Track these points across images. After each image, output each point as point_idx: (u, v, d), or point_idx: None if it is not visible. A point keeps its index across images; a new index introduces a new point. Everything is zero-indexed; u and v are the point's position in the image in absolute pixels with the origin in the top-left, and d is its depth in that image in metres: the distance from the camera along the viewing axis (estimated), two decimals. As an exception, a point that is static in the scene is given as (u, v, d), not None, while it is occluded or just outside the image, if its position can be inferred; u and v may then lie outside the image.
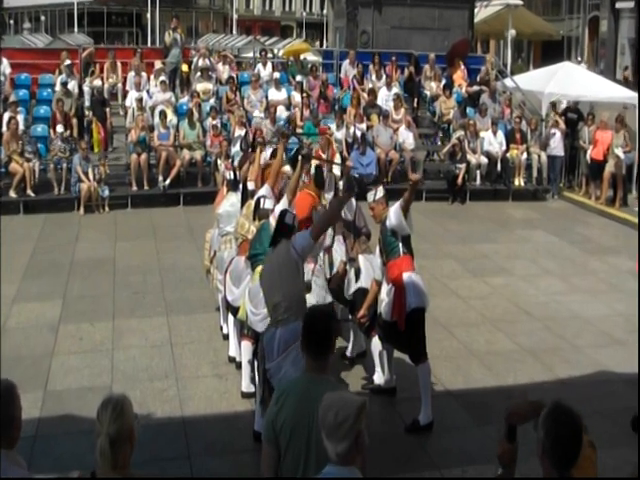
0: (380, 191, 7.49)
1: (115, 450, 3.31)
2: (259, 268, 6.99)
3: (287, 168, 9.25)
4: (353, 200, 8.23)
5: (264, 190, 7.84)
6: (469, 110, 19.05)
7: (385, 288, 7.44)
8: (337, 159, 10.06)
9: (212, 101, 18.36)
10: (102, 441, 3.30)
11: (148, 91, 18.37)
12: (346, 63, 20.27)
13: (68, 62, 18.29)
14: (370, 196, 7.46)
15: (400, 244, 7.24)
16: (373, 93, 18.69)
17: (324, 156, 10.33)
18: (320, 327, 4.12)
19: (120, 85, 19.49)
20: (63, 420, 7.36)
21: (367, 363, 8.51)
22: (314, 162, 8.93)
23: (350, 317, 8.33)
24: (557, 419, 3.22)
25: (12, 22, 64.84)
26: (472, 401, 7.98)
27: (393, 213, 7.16)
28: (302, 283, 6.02)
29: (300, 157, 7.76)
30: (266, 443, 4.02)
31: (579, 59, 38.75)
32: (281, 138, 8.93)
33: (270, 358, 5.83)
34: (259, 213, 7.37)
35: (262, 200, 7.44)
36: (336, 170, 7.82)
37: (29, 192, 15.59)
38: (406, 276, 7.20)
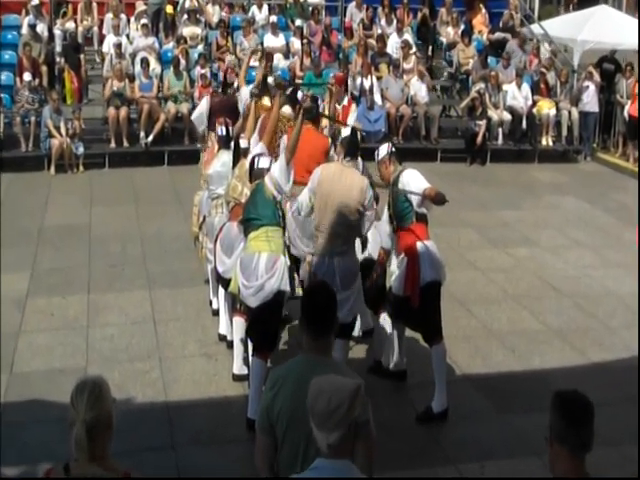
0: (383, 149, 7.38)
1: (93, 439, 3.30)
2: (253, 235, 6.98)
3: (286, 109, 9.14)
4: (359, 159, 8.17)
5: (259, 148, 7.78)
6: (490, 60, 18.94)
7: (396, 259, 7.39)
8: (352, 109, 10.00)
9: (200, 48, 18.24)
10: (78, 429, 3.28)
11: (128, 35, 18.26)
12: (352, 6, 20.12)
13: (36, 1, 18.10)
14: (375, 155, 7.41)
15: (414, 209, 7.17)
16: (382, 40, 18.55)
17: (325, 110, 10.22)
18: (320, 302, 4.09)
19: (96, 29, 19.32)
20: (31, 406, 7.34)
21: (374, 343, 8.51)
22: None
23: None
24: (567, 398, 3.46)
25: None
26: (492, 387, 7.98)
27: (411, 177, 7.06)
28: None
29: (302, 110, 7.67)
30: (260, 432, 4.00)
31: (617, 1, 38.42)
32: (278, 89, 8.84)
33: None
34: (255, 173, 7.32)
35: (257, 159, 7.39)
36: (345, 131, 7.74)
37: (-7, 149, 15.56)
38: (420, 245, 7.15)
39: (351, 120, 10.07)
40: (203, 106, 10.13)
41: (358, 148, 7.46)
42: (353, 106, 10.08)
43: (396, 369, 7.90)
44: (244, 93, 9.77)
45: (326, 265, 6.98)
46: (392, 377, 7.89)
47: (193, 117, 10.66)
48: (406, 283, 7.14)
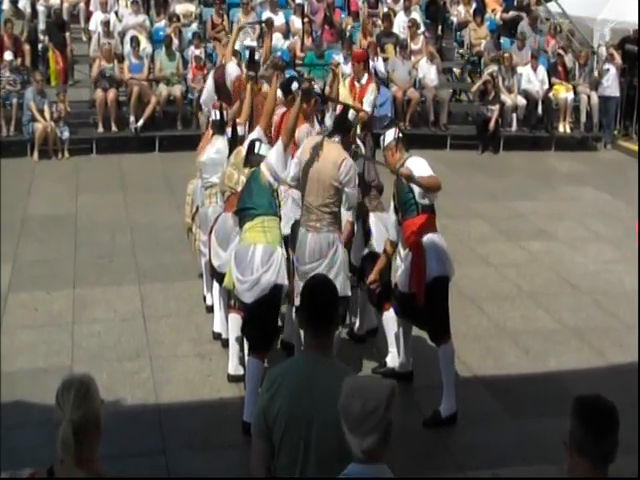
0: (389, 135, 7.37)
1: (80, 440, 3.29)
2: (248, 225, 6.99)
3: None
4: (362, 147, 8.17)
5: (256, 133, 7.79)
6: (504, 40, 18.92)
7: (401, 253, 7.40)
8: (370, 90, 9.95)
9: (194, 26, 18.22)
10: (64, 429, 3.28)
11: (117, 13, 18.21)
12: (356, -18, 20.11)
13: (18, -26, 18.11)
14: (380, 141, 7.41)
15: (418, 197, 7.16)
16: (389, 19, 18.53)
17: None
18: (321, 297, 4.09)
19: (82, 5, 19.35)
20: (13, 408, 7.33)
21: (379, 342, 8.51)
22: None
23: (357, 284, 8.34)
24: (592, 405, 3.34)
25: None
26: (505, 389, 7.99)
27: (415, 165, 7.06)
28: None
29: (300, 92, 7.67)
30: (257, 436, 4.00)
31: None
32: (275, 70, 8.79)
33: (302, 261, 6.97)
34: (251, 159, 7.31)
35: (257, 144, 7.38)
36: (350, 115, 7.72)
37: (-29, 133, 15.56)
38: (426, 238, 7.15)
39: (367, 101, 9.99)
40: (209, 84, 10.05)
41: (347, 126, 7.42)
42: (371, 86, 9.99)
43: (402, 370, 7.90)
44: (231, 69, 9.68)
45: (299, 238, 7.14)
46: (398, 378, 7.87)
47: (202, 100, 10.53)
48: (411, 279, 7.13)
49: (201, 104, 11.35)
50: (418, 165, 7.05)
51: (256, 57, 10.27)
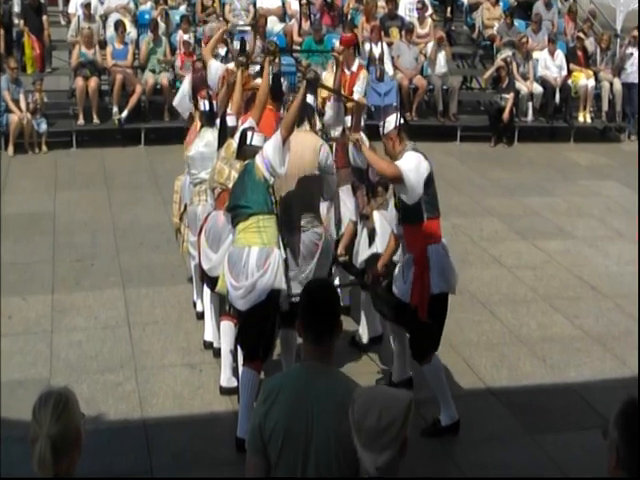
0: (391, 120, 7.21)
1: (58, 457, 3.28)
2: (242, 226, 6.97)
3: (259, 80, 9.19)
4: (366, 139, 8.15)
5: (248, 123, 7.79)
6: (519, 23, 18.93)
7: (402, 258, 7.39)
8: (361, 77, 9.91)
9: (183, 9, 18.26)
10: (42, 445, 3.28)
11: (98, -6, 18.22)
12: (358, -40, 20.10)
13: (-11, -48, 18.13)
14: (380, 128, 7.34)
15: (423, 202, 7.01)
16: (393, 0, 18.54)
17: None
18: (322, 302, 4.09)
19: (61, -15, 19.34)
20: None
21: (383, 351, 8.52)
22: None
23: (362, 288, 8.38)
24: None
25: None
26: (520, 402, 7.98)
27: (404, 159, 7.02)
28: None
29: (305, 82, 7.68)
30: (252, 453, 3.99)
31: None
32: (267, 56, 8.76)
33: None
34: (245, 151, 7.29)
35: (249, 134, 7.36)
36: (309, 99, 7.80)
37: (-58, 126, 15.56)
38: (431, 250, 7.09)
39: (358, 90, 9.95)
40: (185, 88, 10.04)
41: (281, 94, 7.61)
42: (362, 73, 9.94)
43: (399, 380, 7.89)
44: (214, 67, 9.65)
45: (285, 241, 7.24)
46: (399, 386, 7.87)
47: (175, 102, 10.53)
48: (413, 292, 7.10)
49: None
50: (407, 158, 6.97)
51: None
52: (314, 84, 7.82)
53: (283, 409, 3.89)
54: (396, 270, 7.35)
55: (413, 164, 6.88)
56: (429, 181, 6.99)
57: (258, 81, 9.00)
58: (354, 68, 10.30)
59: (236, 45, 14.04)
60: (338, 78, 8.99)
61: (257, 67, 9.87)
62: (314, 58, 16.17)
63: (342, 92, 9.03)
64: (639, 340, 8.89)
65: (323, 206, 8.00)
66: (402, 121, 7.26)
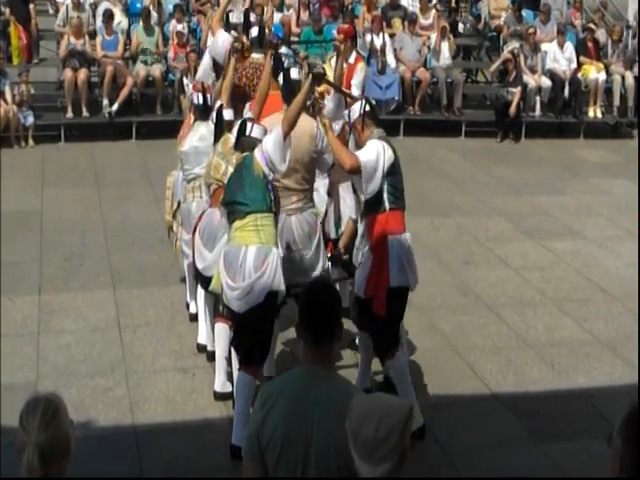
0: (354, 109, 7.33)
1: (47, 466, 3.29)
2: (238, 224, 6.95)
3: (257, 55, 9.23)
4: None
5: (246, 114, 7.80)
6: (526, 13, 18.93)
7: (361, 249, 7.41)
8: (359, 70, 9.93)
9: (176, -3, 18.24)
10: (30, 454, 3.28)
11: (88, -19, 18.22)
12: (359, -52, 20.11)
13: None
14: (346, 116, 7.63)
15: (385, 192, 7.09)
16: (396, -11, 18.57)
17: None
18: (322, 304, 4.09)
19: (49, -27, 19.34)
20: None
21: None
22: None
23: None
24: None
25: None
26: (527, 409, 7.98)
27: (367, 145, 7.13)
28: None
29: (310, 76, 7.69)
30: (248, 460, 4.00)
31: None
32: (267, 48, 8.78)
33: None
34: (243, 142, 7.28)
35: (249, 124, 7.35)
36: (294, 74, 7.90)
37: None
38: (392, 241, 7.09)
39: (356, 82, 9.94)
40: (206, 62, 10.00)
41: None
42: (360, 65, 9.92)
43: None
44: (221, 39, 9.61)
45: (280, 225, 7.36)
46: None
47: (198, 77, 10.45)
48: (368, 282, 7.11)
49: (184, 85, 11.28)
50: (368, 148, 7.04)
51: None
52: (319, 80, 7.81)
53: (282, 414, 3.90)
54: (357, 270, 7.43)
55: (374, 154, 6.98)
56: (392, 171, 7.07)
57: (255, 55, 9.08)
58: (351, 60, 10.30)
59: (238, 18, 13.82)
60: (339, 68, 8.99)
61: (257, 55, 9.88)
62: (313, 50, 16.17)
63: (342, 88, 9.04)
64: (639, 340, 8.91)
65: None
66: (367, 108, 7.29)
